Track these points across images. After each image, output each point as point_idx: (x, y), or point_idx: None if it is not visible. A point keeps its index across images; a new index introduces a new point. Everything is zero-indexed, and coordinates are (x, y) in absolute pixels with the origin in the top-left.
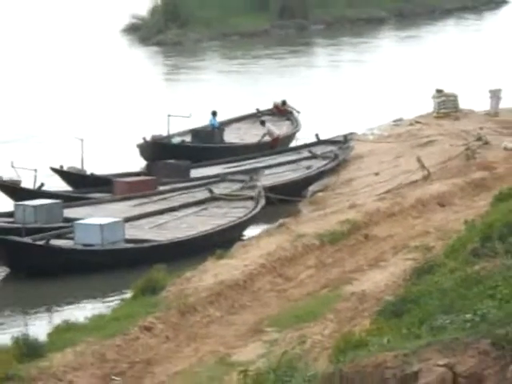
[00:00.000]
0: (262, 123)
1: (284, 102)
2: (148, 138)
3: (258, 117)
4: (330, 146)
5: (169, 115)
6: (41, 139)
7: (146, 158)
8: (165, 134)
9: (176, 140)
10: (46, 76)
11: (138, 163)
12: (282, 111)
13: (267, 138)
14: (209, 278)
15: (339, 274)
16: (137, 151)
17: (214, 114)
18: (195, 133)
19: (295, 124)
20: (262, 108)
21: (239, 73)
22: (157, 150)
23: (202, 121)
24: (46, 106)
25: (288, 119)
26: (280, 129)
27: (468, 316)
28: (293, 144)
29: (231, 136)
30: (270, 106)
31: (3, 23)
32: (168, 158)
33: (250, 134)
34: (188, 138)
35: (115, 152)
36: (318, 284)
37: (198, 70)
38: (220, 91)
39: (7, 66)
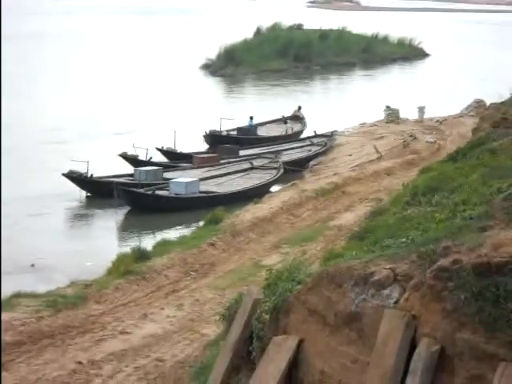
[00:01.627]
0: (285, 122)
1: (299, 107)
2: (207, 132)
3: (282, 120)
4: (322, 138)
5: (221, 118)
6: (149, 131)
7: (208, 144)
8: (218, 129)
9: (224, 133)
10: (146, 89)
11: (204, 146)
12: (296, 117)
13: (285, 133)
14: (249, 214)
15: (327, 214)
16: (202, 139)
17: (251, 118)
18: (239, 129)
19: (304, 124)
20: (286, 115)
21: (269, 94)
22: (214, 139)
23: (244, 121)
24: (148, 111)
25: (300, 122)
26: (294, 127)
27: (403, 240)
28: (301, 136)
29: (262, 131)
30: (291, 113)
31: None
32: (220, 144)
33: (275, 131)
34: (235, 132)
35: (191, 139)
36: (314, 220)
37: (244, 92)
38: (257, 104)
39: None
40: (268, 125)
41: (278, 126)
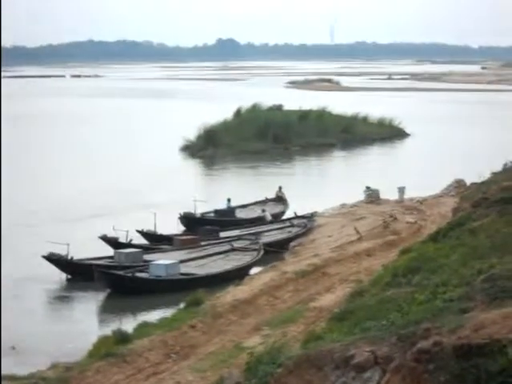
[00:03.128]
0: (263, 210)
1: (280, 188)
2: (182, 213)
3: (265, 202)
4: (302, 219)
5: (194, 200)
6: (128, 213)
7: (183, 225)
8: (193, 211)
9: (198, 215)
10: (126, 170)
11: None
12: (279, 198)
13: (261, 216)
14: (229, 296)
15: (307, 295)
16: (178, 221)
17: (229, 200)
18: (217, 211)
19: (285, 205)
20: (269, 196)
21: (249, 174)
22: (188, 221)
23: (223, 203)
24: (128, 193)
25: (282, 203)
26: (274, 209)
27: (383, 322)
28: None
29: (244, 213)
30: (274, 195)
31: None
32: (195, 227)
33: (256, 212)
34: (212, 214)
35: (170, 220)
36: (294, 301)
37: (223, 173)
38: (236, 186)
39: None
40: (251, 206)
41: (259, 207)
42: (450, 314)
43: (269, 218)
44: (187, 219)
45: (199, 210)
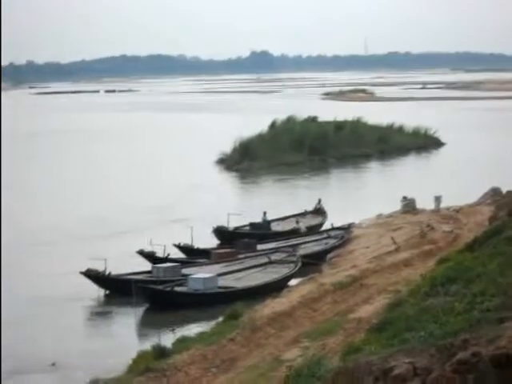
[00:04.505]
0: (297, 222)
1: (319, 200)
2: (215, 227)
3: (304, 214)
4: (339, 231)
5: (228, 213)
6: (166, 227)
7: (218, 239)
8: (227, 224)
9: (231, 228)
10: (163, 185)
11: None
12: (318, 210)
13: (296, 228)
14: (268, 309)
15: (345, 307)
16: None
17: (265, 213)
18: (252, 224)
19: (324, 217)
20: (308, 209)
21: (285, 187)
22: (222, 234)
23: (259, 216)
24: (166, 208)
25: (321, 215)
26: (313, 221)
27: (422, 333)
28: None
29: (282, 226)
30: (313, 207)
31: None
32: (229, 240)
33: (291, 225)
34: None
35: (204, 234)
36: (333, 313)
37: (259, 186)
38: (273, 198)
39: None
40: (290, 219)
41: (298, 219)
42: (488, 324)
43: (303, 229)
44: (220, 233)
45: (235, 223)
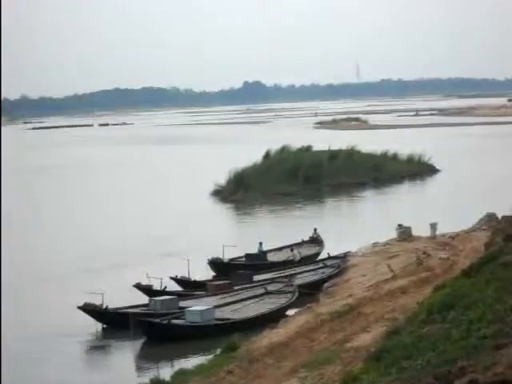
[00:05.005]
0: (292, 250)
1: (315, 229)
2: (210, 259)
3: (301, 244)
4: (336, 260)
5: (224, 245)
6: (161, 260)
7: (213, 271)
8: (222, 256)
9: (226, 260)
10: (157, 218)
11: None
12: (315, 239)
13: (292, 258)
14: (265, 340)
15: (343, 336)
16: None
17: (260, 243)
18: (248, 255)
19: (321, 247)
20: (305, 238)
21: (281, 217)
22: (217, 266)
23: (254, 247)
24: (161, 241)
25: (318, 244)
26: (310, 251)
27: (419, 361)
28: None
29: (278, 256)
30: (308, 236)
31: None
32: (224, 272)
33: (287, 255)
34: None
35: (200, 267)
36: (331, 342)
37: (255, 217)
38: (269, 229)
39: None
40: (286, 249)
41: (295, 249)
42: (485, 351)
43: (298, 257)
44: (216, 264)
45: (231, 254)
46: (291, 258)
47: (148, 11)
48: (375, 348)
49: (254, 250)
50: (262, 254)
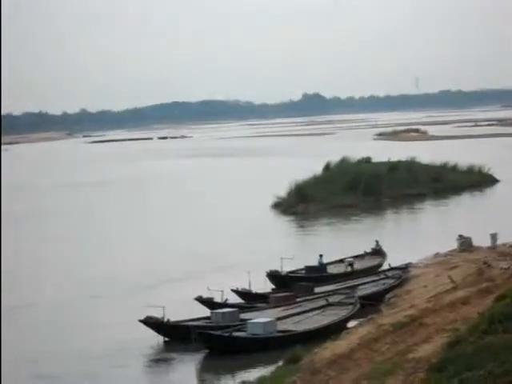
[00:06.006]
0: (350, 264)
1: (377, 241)
2: (268, 272)
3: (363, 256)
4: (397, 271)
5: (281, 258)
6: (223, 273)
7: (272, 283)
8: (281, 269)
9: (284, 272)
10: (219, 230)
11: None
12: (377, 251)
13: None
14: (327, 352)
15: (405, 347)
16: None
17: (321, 255)
18: (308, 267)
19: (383, 258)
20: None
21: (341, 229)
22: (276, 278)
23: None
24: (222, 253)
25: (380, 255)
26: (372, 262)
27: (480, 372)
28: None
29: (338, 268)
30: (371, 248)
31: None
32: (282, 284)
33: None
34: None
35: (261, 279)
36: (392, 353)
37: (315, 229)
38: (330, 240)
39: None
40: (348, 260)
41: (358, 261)
42: None
43: (354, 268)
44: (274, 277)
45: (292, 266)
46: (349, 269)
47: (204, 23)
48: (437, 359)
49: (313, 262)
50: (323, 266)
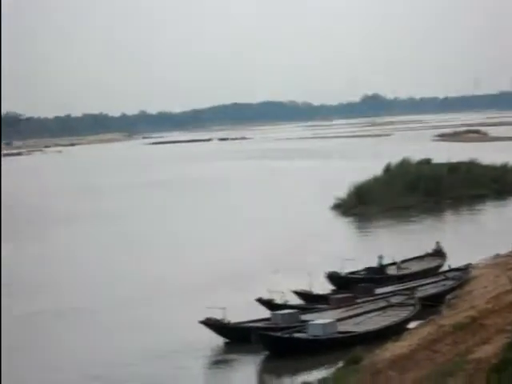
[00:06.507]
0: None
1: (437, 242)
2: (327, 273)
3: (423, 257)
4: (457, 272)
5: (342, 259)
6: (283, 274)
7: (331, 283)
8: (340, 270)
9: (343, 273)
10: (278, 232)
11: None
12: (438, 252)
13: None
14: (388, 353)
15: (465, 347)
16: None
17: (380, 257)
18: (368, 269)
19: (443, 259)
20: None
21: (401, 230)
22: (335, 280)
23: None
24: (281, 254)
25: (440, 257)
26: (432, 263)
27: None
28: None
29: (402, 269)
30: (431, 249)
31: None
32: (341, 286)
33: (414, 267)
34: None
35: (318, 280)
36: (453, 354)
37: (375, 230)
38: (388, 242)
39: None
40: (409, 262)
41: (418, 262)
42: None
43: (413, 270)
44: (334, 278)
45: (351, 268)
46: (406, 272)
47: (261, 24)
48: (497, 360)
49: (373, 263)
50: (382, 268)
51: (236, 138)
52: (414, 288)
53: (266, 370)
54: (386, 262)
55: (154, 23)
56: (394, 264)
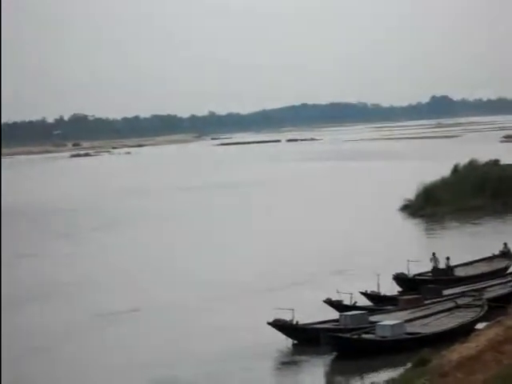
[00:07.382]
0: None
1: (505, 244)
2: (394, 274)
3: (491, 259)
4: None
5: (408, 260)
6: (351, 275)
7: (398, 285)
8: (407, 271)
9: (410, 275)
10: (346, 233)
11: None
12: (505, 253)
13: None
14: (455, 354)
15: None
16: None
17: (448, 258)
18: (435, 270)
19: (511, 260)
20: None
21: (469, 232)
22: (402, 281)
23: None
24: (350, 255)
25: (508, 258)
26: (499, 265)
27: None
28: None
29: (467, 270)
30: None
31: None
32: (408, 287)
33: (478, 269)
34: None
35: (386, 281)
36: None
37: (443, 232)
38: (456, 243)
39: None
40: (476, 263)
41: (484, 264)
42: None
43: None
44: (400, 279)
45: (419, 269)
46: (478, 272)
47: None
48: None
49: (441, 264)
50: (450, 269)
51: (305, 139)
52: (481, 289)
53: (334, 371)
54: (453, 263)
55: (223, 23)
56: (461, 265)
